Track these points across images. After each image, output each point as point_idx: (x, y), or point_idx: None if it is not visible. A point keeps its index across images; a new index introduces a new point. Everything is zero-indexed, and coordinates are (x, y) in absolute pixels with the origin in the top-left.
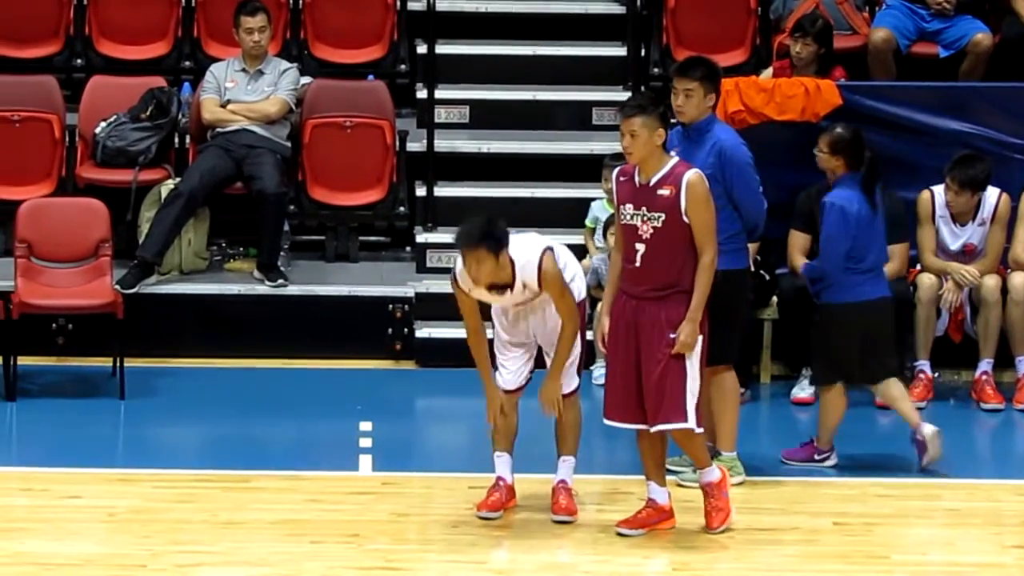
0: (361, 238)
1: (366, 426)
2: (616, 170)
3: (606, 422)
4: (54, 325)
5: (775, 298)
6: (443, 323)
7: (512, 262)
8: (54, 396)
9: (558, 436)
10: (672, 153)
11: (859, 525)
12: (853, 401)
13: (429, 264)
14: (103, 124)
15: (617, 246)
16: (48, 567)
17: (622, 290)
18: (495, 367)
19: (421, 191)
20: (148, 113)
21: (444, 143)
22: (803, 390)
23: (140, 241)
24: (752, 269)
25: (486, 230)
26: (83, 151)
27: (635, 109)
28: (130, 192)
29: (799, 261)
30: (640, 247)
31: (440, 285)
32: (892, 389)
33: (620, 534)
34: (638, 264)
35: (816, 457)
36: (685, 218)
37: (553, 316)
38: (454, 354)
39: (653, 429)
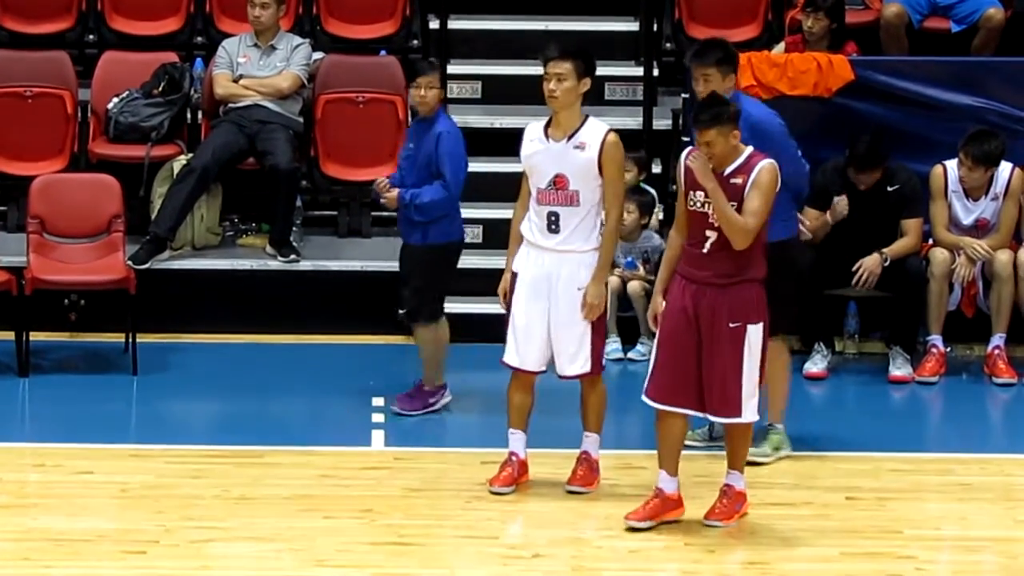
0: (373, 213)
1: (379, 401)
2: (684, 152)
3: (648, 401)
4: (66, 301)
5: None
6: (455, 298)
7: (585, 116)
8: (66, 372)
9: (582, 414)
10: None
11: (872, 500)
12: (865, 380)
13: None
14: (116, 100)
15: (679, 228)
16: (61, 543)
17: (680, 273)
18: (505, 343)
19: None
20: (160, 89)
21: (456, 118)
22: (815, 365)
23: (152, 217)
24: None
25: (588, 54)
26: (95, 127)
27: (709, 121)
28: (143, 168)
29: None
30: (711, 234)
31: None
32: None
33: (630, 528)
34: (706, 251)
35: (431, 401)
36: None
37: (572, 302)
38: (466, 330)
39: (715, 420)
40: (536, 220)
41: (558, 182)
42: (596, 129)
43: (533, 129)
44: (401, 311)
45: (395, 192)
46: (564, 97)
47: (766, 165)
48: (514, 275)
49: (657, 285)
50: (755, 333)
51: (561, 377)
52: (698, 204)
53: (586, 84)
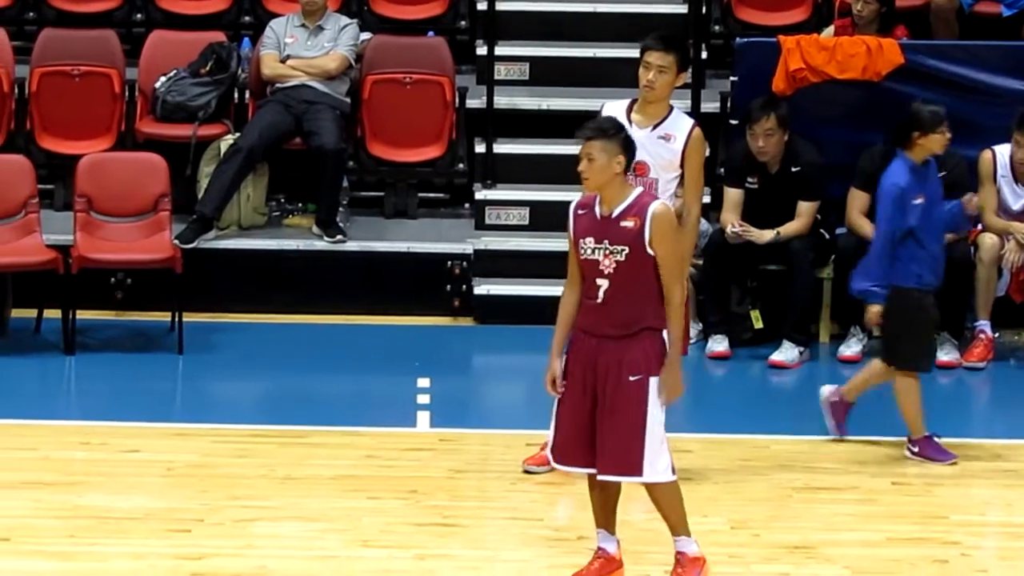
0: (420, 195)
1: (424, 382)
2: (573, 203)
3: (553, 465)
4: (113, 279)
5: (832, 256)
6: (501, 280)
7: (671, 107)
8: (112, 350)
9: None
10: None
11: (918, 485)
12: None
13: (488, 221)
14: (163, 79)
15: (571, 283)
16: (106, 520)
17: (580, 328)
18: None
19: (480, 148)
20: (208, 68)
21: (504, 100)
22: (849, 348)
23: (199, 196)
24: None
25: (687, 47)
26: (143, 106)
27: (593, 133)
28: (189, 147)
29: (858, 220)
30: (603, 283)
31: (499, 242)
32: None
33: None
34: (600, 301)
35: None
36: (649, 250)
37: None
38: (512, 311)
39: (600, 477)
40: None
41: (638, 169)
42: (683, 121)
43: (613, 110)
44: None
45: None
46: (661, 90)
47: (659, 208)
48: None
49: (552, 347)
50: (658, 385)
51: None
52: (588, 252)
53: (683, 78)
